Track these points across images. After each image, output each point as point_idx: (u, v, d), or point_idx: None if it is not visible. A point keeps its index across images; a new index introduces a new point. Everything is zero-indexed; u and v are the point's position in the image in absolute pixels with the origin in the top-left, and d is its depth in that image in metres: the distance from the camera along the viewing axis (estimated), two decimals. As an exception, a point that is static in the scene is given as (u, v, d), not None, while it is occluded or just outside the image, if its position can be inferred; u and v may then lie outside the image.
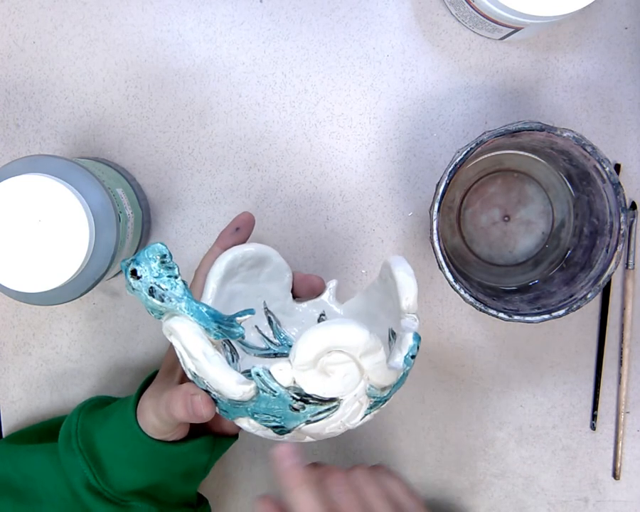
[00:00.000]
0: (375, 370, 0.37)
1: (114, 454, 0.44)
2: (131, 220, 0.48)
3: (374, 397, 0.38)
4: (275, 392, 0.37)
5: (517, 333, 0.55)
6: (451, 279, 0.46)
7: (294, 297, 0.47)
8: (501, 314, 0.47)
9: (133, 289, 0.37)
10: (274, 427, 0.39)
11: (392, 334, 0.42)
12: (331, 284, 0.47)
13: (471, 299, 0.47)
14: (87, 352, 0.54)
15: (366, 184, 0.54)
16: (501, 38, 0.52)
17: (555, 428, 0.56)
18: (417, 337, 0.38)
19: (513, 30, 0.49)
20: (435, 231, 0.46)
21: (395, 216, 0.54)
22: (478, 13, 0.49)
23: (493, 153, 0.52)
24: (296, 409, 0.37)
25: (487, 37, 0.53)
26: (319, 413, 0.38)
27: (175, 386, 0.42)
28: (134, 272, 0.37)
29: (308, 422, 0.38)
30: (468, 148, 0.46)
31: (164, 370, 0.46)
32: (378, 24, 0.53)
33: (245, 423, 0.39)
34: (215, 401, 0.39)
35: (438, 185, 0.46)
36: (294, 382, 0.37)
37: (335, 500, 0.38)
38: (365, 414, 0.39)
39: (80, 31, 0.53)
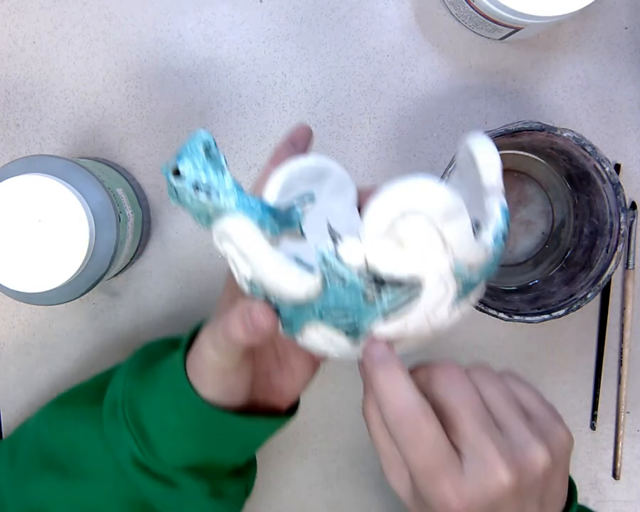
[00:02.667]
0: (460, 239, 0.31)
1: (164, 424, 0.40)
2: (131, 220, 0.48)
3: (461, 277, 0.32)
4: (344, 277, 0.31)
5: (517, 333, 0.55)
6: (451, 279, 0.46)
7: (361, 215, 0.41)
8: (501, 314, 0.47)
9: (176, 192, 0.32)
10: (346, 330, 0.33)
11: (477, 226, 0.35)
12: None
13: (471, 299, 0.47)
14: (87, 352, 0.54)
15: (366, 184, 0.54)
16: (501, 38, 0.52)
17: (555, 428, 0.56)
18: (506, 212, 0.33)
19: (513, 30, 0.49)
20: (435, 231, 0.46)
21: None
22: (478, 13, 0.49)
23: (493, 153, 0.52)
24: (370, 299, 0.31)
25: (487, 37, 0.53)
26: (398, 301, 0.32)
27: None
28: (176, 171, 0.31)
29: (385, 316, 0.32)
30: (468, 148, 0.46)
31: (222, 304, 0.41)
32: (378, 24, 0.53)
33: (314, 333, 0.33)
34: (276, 312, 0.34)
35: (438, 185, 0.46)
36: (366, 262, 0.31)
37: (440, 395, 0.32)
38: (454, 307, 0.33)
39: (79, 31, 0.53)
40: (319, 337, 0.34)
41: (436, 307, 0.32)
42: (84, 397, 0.45)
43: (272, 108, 0.53)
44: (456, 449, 0.32)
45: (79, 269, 0.41)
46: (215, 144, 0.32)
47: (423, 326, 0.33)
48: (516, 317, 0.47)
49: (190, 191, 0.32)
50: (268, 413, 0.42)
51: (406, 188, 0.30)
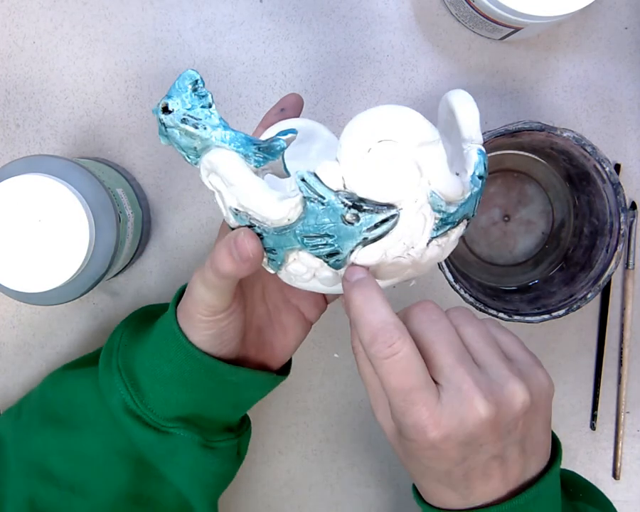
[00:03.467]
0: (435, 169, 0.32)
1: (155, 373, 0.40)
2: (131, 220, 0.48)
3: (439, 212, 0.33)
4: (323, 198, 0.32)
5: (517, 333, 0.55)
6: (451, 279, 0.46)
7: None
8: (501, 314, 0.47)
9: (165, 128, 0.34)
10: (328, 255, 0.33)
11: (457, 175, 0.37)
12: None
13: (471, 299, 0.47)
14: (87, 352, 0.54)
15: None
16: (501, 38, 0.52)
17: (555, 428, 0.55)
18: (483, 153, 0.34)
19: (513, 30, 0.49)
20: (435, 231, 0.46)
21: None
22: (478, 13, 0.49)
23: (493, 153, 0.52)
24: (349, 222, 0.32)
25: (487, 37, 0.53)
26: (376, 226, 0.32)
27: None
28: (165, 108, 0.33)
29: (365, 242, 0.33)
30: (468, 148, 0.46)
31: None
32: (378, 24, 0.53)
33: (297, 264, 0.34)
34: (260, 238, 0.35)
35: (438, 185, 0.46)
36: (344, 185, 0.32)
37: (417, 331, 0.32)
38: (432, 237, 0.34)
39: (79, 31, 0.53)
40: (302, 267, 0.34)
41: (414, 237, 0.33)
42: (87, 363, 0.46)
43: (272, 108, 0.53)
44: (435, 383, 0.32)
45: (79, 269, 0.41)
46: (203, 81, 0.33)
47: (402, 256, 0.33)
48: (516, 317, 0.47)
49: (178, 124, 0.33)
50: (259, 369, 0.42)
51: (383, 115, 0.31)
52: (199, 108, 0.33)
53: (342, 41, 0.53)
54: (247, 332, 0.42)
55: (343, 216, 0.32)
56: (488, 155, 0.52)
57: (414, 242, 0.33)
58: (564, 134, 0.45)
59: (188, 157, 0.35)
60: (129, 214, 0.47)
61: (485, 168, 0.34)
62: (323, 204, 0.32)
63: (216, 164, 0.34)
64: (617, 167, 0.54)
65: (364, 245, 0.33)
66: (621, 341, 0.55)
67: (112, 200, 0.44)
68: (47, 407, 0.44)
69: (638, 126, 0.54)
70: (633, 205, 0.54)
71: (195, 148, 0.34)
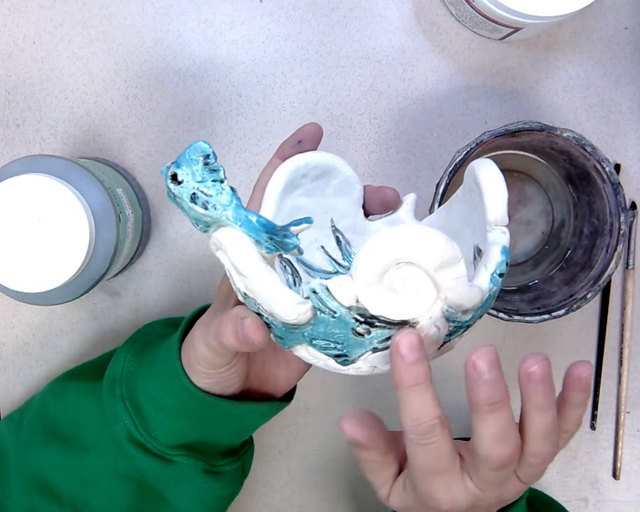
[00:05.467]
0: (454, 287, 0.31)
1: (159, 404, 0.40)
2: (131, 220, 0.48)
3: (454, 322, 0.32)
4: (335, 312, 0.31)
5: (517, 333, 0.55)
6: (451, 279, 0.46)
7: (366, 214, 0.41)
8: (501, 314, 0.47)
9: (174, 196, 0.32)
10: (335, 356, 0.33)
11: (478, 252, 0.36)
12: (409, 198, 0.40)
13: (471, 299, 0.47)
14: (87, 352, 0.54)
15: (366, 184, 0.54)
16: (501, 38, 0.52)
17: (555, 428, 0.56)
18: (506, 251, 0.33)
19: (513, 30, 0.49)
20: (435, 231, 0.46)
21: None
22: (478, 13, 0.49)
23: (493, 153, 0.52)
24: (360, 334, 0.31)
25: (487, 37, 0.53)
26: (388, 339, 0.32)
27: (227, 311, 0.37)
28: (174, 177, 0.31)
29: (375, 350, 0.32)
30: (468, 148, 0.46)
31: (218, 300, 0.40)
32: (378, 24, 0.53)
33: (303, 352, 0.34)
34: (268, 326, 0.34)
35: (438, 185, 0.46)
36: (357, 301, 0.31)
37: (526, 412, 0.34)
38: (445, 342, 0.33)
39: (79, 31, 0.53)
40: (309, 356, 0.34)
41: (427, 346, 0.32)
42: (89, 373, 0.46)
43: (272, 108, 0.53)
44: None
45: (79, 269, 0.41)
46: (215, 155, 0.32)
47: None
48: (516, 317, 0.47)
49: (188, 202, 0.32)
50: (262, 399, 0.42)
51: (402, 237, 0.30)
52: (210, 182, 0.32)
53: (342, 41, 0.53)
54: (251, 366, 0.41)
55: (353, 329, 0.31)
56: (488, 155, 0.52)
57: (426, 349, 0.32)
58: (564, 134, 0.45)
59: (197, 225, 0.33)
60: (129, 214, 0.47)
61: (507, 265, 0.33)
62: (334, 317, 0.31)
63: (226, 247, 0.32)
64: (617, 167, 0.54)
65: (373, 352, 0.32)
66: (621, 341, 0.55)
67: (112, 200, 0.44)
68: (49, 423, 0.44)
69: (638, 126, 0.54)
70: (633, 205, 0.54)
71: (206, 222, 0.33)
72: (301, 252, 0.33)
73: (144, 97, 0.53)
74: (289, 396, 0.44)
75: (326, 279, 0.38)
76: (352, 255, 0.40)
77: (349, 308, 0.31)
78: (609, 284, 0.54)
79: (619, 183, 0.46)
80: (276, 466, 0.55)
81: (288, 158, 0.38)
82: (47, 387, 0.47)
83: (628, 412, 0.55)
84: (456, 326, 0.32)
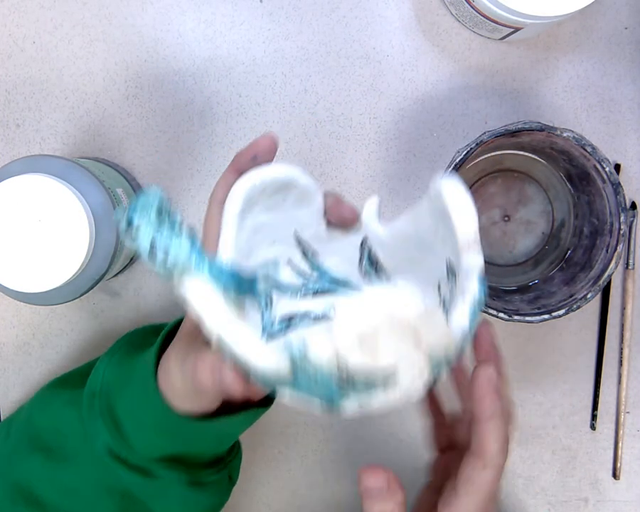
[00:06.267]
0: (434, 335, 0.31)
1: (137, 419, 0.40)
2: (131, 220, 0.48)
3: (435, 360, 0.32)
4: (314, 375, 0.30)
5: (517, 333, 0.55)
6: (451, 279, 0.46)
7: (329, 222, 0.39)
8: (501, 314, 0.47)
9: (132, 243, 0.31)
10: (320, 403, 0.32)
11: (450, 270, 0.35)
12: (372, 205, 0.38)
13: (471, 299, 0.46)
14: (87, 352, 0.54)
15: (366, 184, 0.54)
16: (501, 38, 0.52)
17: (555, 428, 0.56)
18: (483, 282, 0.33)
19: (513, 30, 0.49)
20: (435, 231, 0.46)
21: (395, 216, 0.54)
22: (478, 13, 0.49)
23: (493, 153, 0.52)
24: (342, 388, 0.31)
25: (487, 37, 0.53)
26: (370, 391, 0.31)
27: (201, 350, 0.35)
28: (129, 223, 0.30)
29: (359, 403, 0.32)
30: (468, 148, 0.46)
31: (187, 329, 0.39)
32: (378, 24, 0.53)
33: (287, 394, 0.32)
34: (247, 372, 0.33)
35: (438, 185, 0.46)
36: (337, 358, 0.30)
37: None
38: (430, 381, 0.33)
39: (79, 31, 0.53)
40: (293, 402, 0.33)
41: (411, 387, 0.32)
42: (75, 381, 0.46)
43: (272, 108, 0.53)
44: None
45: (79, 269, 0.41)
46: (168, 203, 0.30)
47: (399, 401, 0.32)
48: (516, 317, 0.47)
49: (146, 251, 0.30)
50: (242, 407, 0.42)
51: (380, 298, 0.30)
52: (166, 234, 0.30)
53: (342, 41, 0.53)
54: None
55: (336, 385, 0.31)
56: (488, 155, 0.52)
57: (411, 390, 0.32)
58: (564, 134, 0.45)
59: (159, 274, 0.31)
60: (129, 214, 0.47)
61: (485, 295, 0.33)
62: (314, 378, 0.30)
63: (191, 300, 0.31)
64: (617, 167, 0.54)
65: (359, 404, 0.32)
66: (621, 341, 0.55)
67: (112, 200, 0.44)
68: (35, 433, 0.44)
69: (638, 126, 0.54)
70: (633, 205, 0.54)
71: (168, 271, 0.31)
72: (270, 300, 0.33)
73: (144, 97, 0.53)
74: (270, 399, 0.43)
75: (296, 294, 0.37)
76: (320, 265, 0.39)
77: (329, 366, 0.30)
78: (609, 284, 0.54)
79: (619, 183, 0.46)
80: (276, 466, 0.55)
81: (244, 173, 0.36)
82: (35, 395, 0.47)
83: (628, 412, 0.55)
84: (438, 362, 0.32)
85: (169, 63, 0.53)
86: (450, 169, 0.46)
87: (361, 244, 0.38)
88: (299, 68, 0.53)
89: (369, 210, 0.39)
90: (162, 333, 0.41)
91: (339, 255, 0.38)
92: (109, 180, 0.47)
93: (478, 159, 0.52)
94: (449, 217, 0.34)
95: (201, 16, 0.53)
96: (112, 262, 0.44)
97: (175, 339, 0.39)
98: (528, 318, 0.47)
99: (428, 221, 0.37)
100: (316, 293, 0.38)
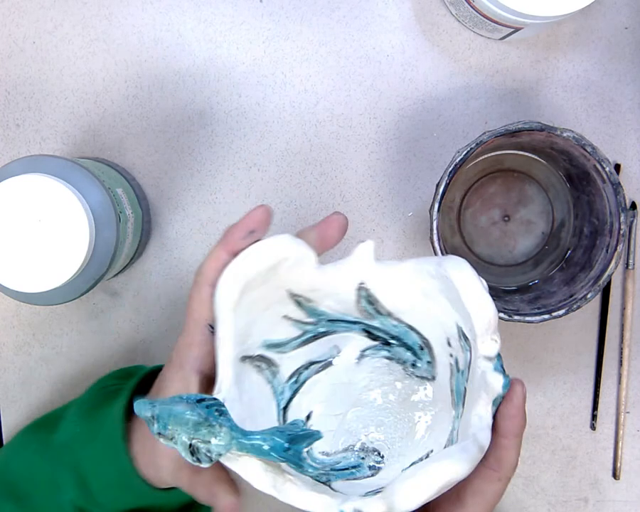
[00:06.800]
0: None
1: (103, 476, 0.40)
2: (131, 220, 0.48)
3: None
4: None
5: (517, 333, 0.55)
6: (451, 279, 0.46)
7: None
8: (501, 314, 0.47)
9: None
10: None
11: (462, 334, 0.35)
12: (366, 247, 0.36)
13: (471, 299, 0.46)
14: (87, 352, 0.54)
15: (366, 184, 0.54)
16: (501, 38, 0.52)
17: (554, 428, 0.56)
18: (507, 382, 0.34)
19: (513, 30, 0.49)
20: (435, 231, 0.46)
21: (395, 216, 0.54)
22: (478, 13, 0.49)
23: (493, 153, 0.52)
24: None
25: (487, 37, 0.53)
26: None
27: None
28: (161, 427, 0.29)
29: None
30: (468, 148, 0.46)
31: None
32: (378, 24, 0.53)
33: None
34: None
35: (438, 185, 0.46)
36: None
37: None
38: None
39: (79, 31, 0.53)
40: None
41: None
42: (51, 426, 0.45)
43: (272, 108, 0.53)
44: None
45: (79, 269, 0.41)
46: (204, 411, 0.29)
47: None
48: (516, 317, 0.47)
49: (187, 454, 0.29)
50: None
51: (438, 475, 0.31)
52: (205, 429, 0.29)
53: (342, 41, 0.53)
54: None
55: None
56: (488, 155, 0.52)
57: None
58: (564, 134, 0.45)
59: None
60: (129, 214, 0.47)
61: (507, 386, 0.34)
62: None
63: (240, 475, 0.31)
64: (617, 167, 0.54)
65: None
66: (621, 341, 0.55)
67: (111, 200, 0.44)
68: (8, 479, 0.43)
69: (638, 126, 0.54)
70: (633, 205, 0.54)
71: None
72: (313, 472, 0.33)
73: (144, 97, 0.53)
74: None
75: (298, 345, 0.38)
76: (315, 309, 0.38)
77: None
78: (609, 284, 0.54)
79: (619, 183, 0.46)
80: (276, 466, 0.55)
81: (237, 252, 0.35)
82: (14, 437, 0.46)
83: (628, 412, 0.55)
84: None
85: (169, 63, 0.53)
86: (450, 169, 0.46)
87: (358, 288, 0.37)
88: (299, 68, 0.53)
89: (365, 250, 0.37)
90: (132, 384, 0.40)
91: (332, 298, 0.37)
92: (109, 180, 0.47)
93: (478, 159, 0.52)
94: (462, 303, 0.34)
95: (201, 16, 0.53)
96: (112, 262, 0.44)
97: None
98: (528, 318, 0.47)
99: (432, 282, 0.36)
100: (316, 337, 0.38)
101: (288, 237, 0.35)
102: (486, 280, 0.52)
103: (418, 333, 0.38)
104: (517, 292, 0.52)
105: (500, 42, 0.53)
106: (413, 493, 0.30)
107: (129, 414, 0.40)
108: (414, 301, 0.37)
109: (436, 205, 0.46)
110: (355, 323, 0.38)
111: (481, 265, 0.54)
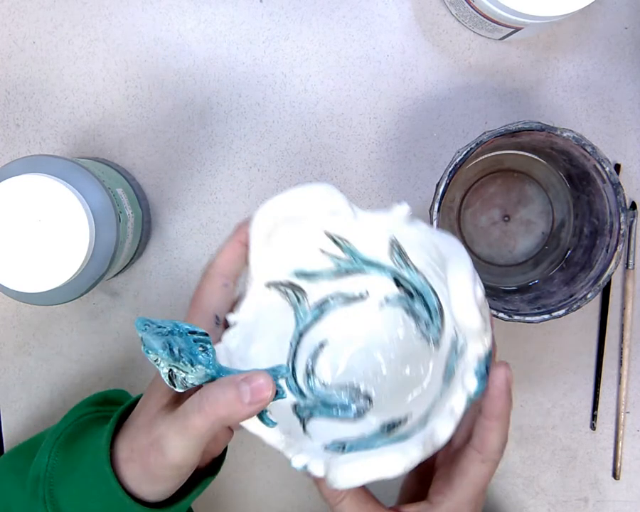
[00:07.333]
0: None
1: (83, 509, 0.38)
2: (131, 220, 0.48)
3: None
4: None
5: (517, 333, 0.55)
6: (451, 279, 0.46)
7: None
8: (501, 314, 0.47)
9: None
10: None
11: (456, 334, 0.37)
12: (402, 209, 0.37)
13: (471, 299, 0.46)
14: (87, 352, 0.54)
15: (366, 184, 0.54)
16: (501, 38, 0.52)
17: (554, 428, 0.56)
18: (480, 389, 0.34)
19: (513, 30, 0.49)
20: (435, 231, 0.46)
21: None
22: (478, 13, 0.49)
23: (493, 153, 0.52)
24: None
25: (487, 37, 0.53)
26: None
27: (170, 429, 0.34)
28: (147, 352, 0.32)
29: None
30: (468, 148, 0.46)
31: (162, 391, 0.37)
32: (378, 24, 0.53)
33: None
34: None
35: (438, 185, 0.46)
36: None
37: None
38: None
39: (80, 31, 0.53)
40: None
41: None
42: (30, 454, 0.43)
43: (272, 108, 0.53)
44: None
45: (79, 269, 0.41)
46: (179, 340, 0.32)
47: None
48: (516, 317, 0.47)
49: (166, 378, 0.33)
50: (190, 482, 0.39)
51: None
52: (182, 366, 0.32)
53: (342, 41, 0.53)
54: None
55: None
56: (488, 155, 0.52)
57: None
58: (564, 134, 0.45)
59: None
60: (129, 214, 0.47)
61: (482, 392, 0.34)
62: None
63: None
64: (617, 167, 0.54)
65: None
66: (621, 341, 0.55)
67: (111, 200, 0.44)
68: None
69: (638, 126, 0.54)
70: (633, 205, 0.54)
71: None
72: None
73: (144, 97, 0.53)
74: (216, 467, 0.42)
75: (331, 277, 0.40)
76: (350, 246, 0.39)
77: None
78: (609, 284, 0.54)
79: (619, 183, 0.46)
80: (276, 466, 0.55)
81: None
82: None
83: (628, 412, 0.55)
84: None
85: (169, 63, 0.53)
86: (450, 169, 0.46)
87: (390, 242, 0.39)
88: (299, 68, 0.53)
89: (401, 211, 0.38)
90: (117, 413, 0.39)
91: (367, 243, 0.39)
92: (109, 180, 0.47)
93: (478, 159, 0.52)
94: (447, 285, 0.35)
95: (201, 15, 0.53)
96: (111, 262, 0.44)
97: (143, 414, 0.37)
98: (528, 318, 0.47)
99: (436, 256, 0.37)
100: (348, 272, 0.40)
101: (327, 187, 0.37)
102: (486, 280, 0.52)
103: (437, 297, 0.38)
104: (517, 292, 0.52)
105: (500, 42, 0.53)
106: (349, 475, 0.33)
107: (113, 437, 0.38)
108: (433, 267, 0.38)
109: (436, 205, 0.46)
110: (386, 268, 0.39)
111: (481, 265, 0.54)
